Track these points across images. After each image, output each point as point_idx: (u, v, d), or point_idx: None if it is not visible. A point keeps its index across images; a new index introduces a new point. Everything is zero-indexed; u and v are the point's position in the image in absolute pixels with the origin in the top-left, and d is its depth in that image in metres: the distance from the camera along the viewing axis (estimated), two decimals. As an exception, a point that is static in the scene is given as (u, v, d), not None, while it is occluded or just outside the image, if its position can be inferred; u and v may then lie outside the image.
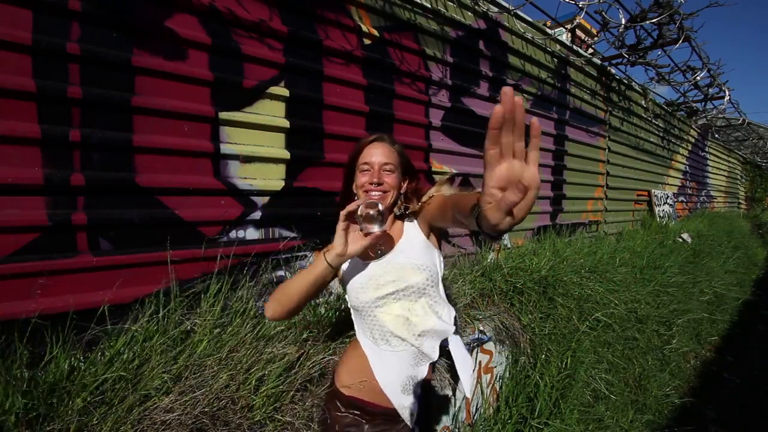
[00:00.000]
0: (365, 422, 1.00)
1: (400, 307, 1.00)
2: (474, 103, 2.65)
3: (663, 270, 3.63)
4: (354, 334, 1.11)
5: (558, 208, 3.63)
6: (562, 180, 3.65)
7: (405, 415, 0.99)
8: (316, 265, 0.96)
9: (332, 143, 1.88)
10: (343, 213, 0.91)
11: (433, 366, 1.07)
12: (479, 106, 2.69)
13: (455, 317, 1.09)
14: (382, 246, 1.06)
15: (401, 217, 1.13)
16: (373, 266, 1.03)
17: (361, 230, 0.91)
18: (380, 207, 0.90)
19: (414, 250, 1.05)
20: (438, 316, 1.02)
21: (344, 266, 1.08)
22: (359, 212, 0.90)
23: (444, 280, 1.10)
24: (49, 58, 1.18)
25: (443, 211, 0.91)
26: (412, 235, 1.09)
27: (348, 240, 0.92)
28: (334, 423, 1.03)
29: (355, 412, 1.01)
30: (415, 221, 1.12)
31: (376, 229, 0.90)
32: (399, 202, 1.12)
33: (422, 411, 1.04)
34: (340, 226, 0.92)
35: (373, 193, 1.04)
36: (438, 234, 1.14)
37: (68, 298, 1.21)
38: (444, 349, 1.06)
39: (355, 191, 1.10)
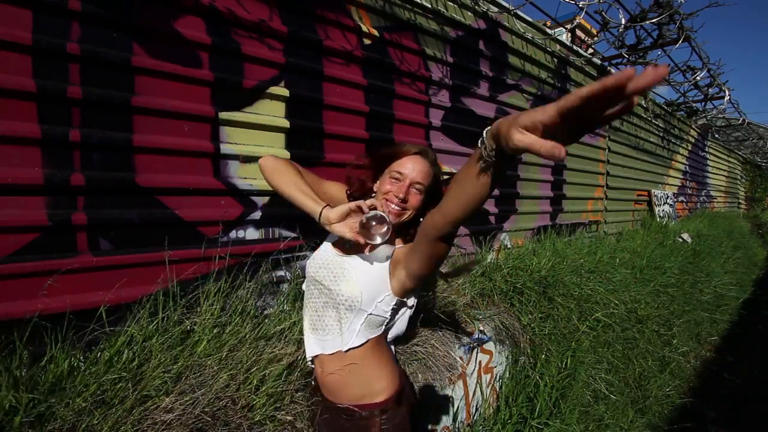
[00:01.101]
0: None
1: (320, 300, 1.03)
2: (474, 103, 2.65)
3: (663, 270, 3.63)
4: None
5: (558, 208, 3.62)
6: (562, 180, 3.65)
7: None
8: (311, 201, 0.98)
9: (332, 143, 1.88)
10: (359, 204, 0.90)
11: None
12: (479, 106, 2.69)
13: (353, 347, 1.00)
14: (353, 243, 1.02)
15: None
16: (333, 254, 1.05)
17: (360, 231, 0.90)
18: (388, 227, 0.88)
19: (367, 270, 0.99)
20: (325, 333, 1.01)
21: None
22: (371, 226, 0.88)
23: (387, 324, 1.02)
24: (49, 58, 1.18)
25: (415, 245, 0.86)
26: (379, 257, 1.02)
27: (343, 220, 0.93)
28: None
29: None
30: (396, 248, 1.05)
31: (377, 240, 0.89)
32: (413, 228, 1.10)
33: None
34: (351, 206, 0.91)
35: (393, 206, 0.99)
36: (409, 280, 0.96)
37: (68, 299, 1.21)
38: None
39: (375, 190, 1.07)
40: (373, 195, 1.08)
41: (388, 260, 1.01)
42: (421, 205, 1.03)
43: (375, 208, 0.91)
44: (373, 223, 0.88)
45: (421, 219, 0.99)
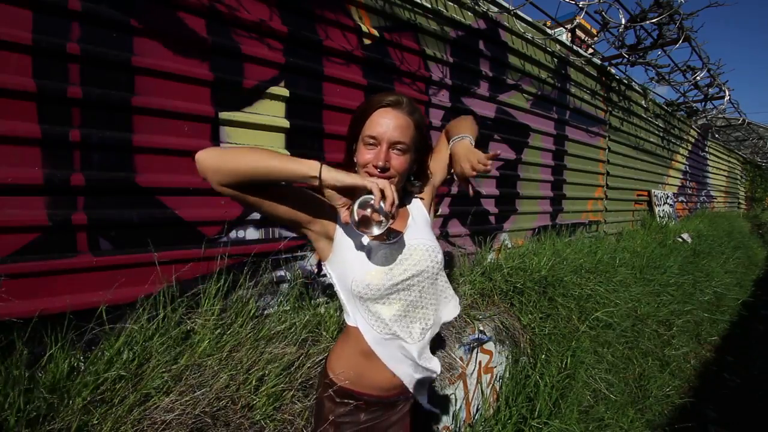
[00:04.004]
0: (361, 411, 0.97)
1: (412, 295, 0.91)
2: (474, 103, 2.65)
3: (663, 270, 3.63)
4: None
5: (558, 208, 3.62)
6: (562, 180, 3.65)
7: (413, 386, 0.98)
8: (300, 163, 0.77)
9: (332, 143, 1.88)
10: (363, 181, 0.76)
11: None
12: (479, 106, 2.69)
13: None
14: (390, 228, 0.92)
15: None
16: (384, 250, 0.88)
17: (356, 227, 0.77)
18: (377, 208, 0.75)
19: (422, 231, 0.95)
20: (446, 307, 0.99)
21: (344, 250, 0.91)
22: (354, 216, 0.75)
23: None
24: (49, 58, 1.18)
25: (439, 165, 1.09)
26: (416, 215, 1.00)
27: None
28: (327, 413, 0.97)
29: (350, 401, 0.97)
30: (420, 198, 1.04)
31: (375, 231, 0.76)
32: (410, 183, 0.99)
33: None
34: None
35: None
36: (435, 206, 1.13)
37: (68, 299, 1.21)
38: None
39: (356, 163, 0.91)
40: (356, 168, 0.92)
41: (422, 209, 1.02)
42: (409, 165, 0.89)
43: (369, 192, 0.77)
44: (365, 213, 0.75)
45: (412, 179, 0.99)
